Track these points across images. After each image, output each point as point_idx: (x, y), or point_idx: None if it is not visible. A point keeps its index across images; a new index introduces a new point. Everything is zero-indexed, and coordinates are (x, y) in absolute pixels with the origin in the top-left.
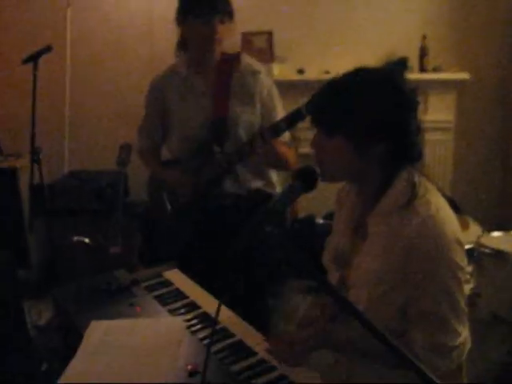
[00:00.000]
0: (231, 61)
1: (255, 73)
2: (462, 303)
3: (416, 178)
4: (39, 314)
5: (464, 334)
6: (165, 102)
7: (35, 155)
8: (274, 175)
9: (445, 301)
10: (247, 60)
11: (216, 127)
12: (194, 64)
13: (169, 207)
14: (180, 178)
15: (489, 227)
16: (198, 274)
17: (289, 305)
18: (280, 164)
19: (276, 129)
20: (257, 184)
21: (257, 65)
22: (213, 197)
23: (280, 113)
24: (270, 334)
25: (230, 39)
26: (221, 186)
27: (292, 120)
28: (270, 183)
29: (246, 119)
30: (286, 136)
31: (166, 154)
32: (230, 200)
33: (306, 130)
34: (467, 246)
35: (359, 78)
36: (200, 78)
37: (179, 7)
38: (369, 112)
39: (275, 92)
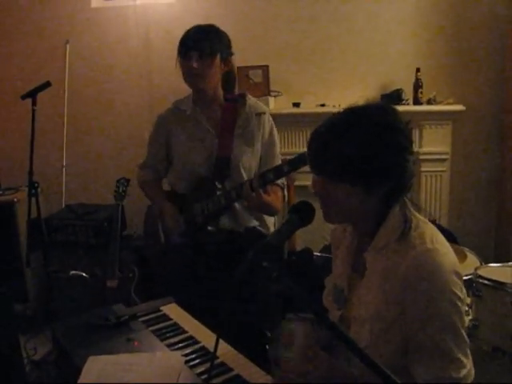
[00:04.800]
0: (236, 101)
1: (259, 115)
2: (464, 334)
3: (408, 210)
4: (35, 349)
5: (468, 365)
6: (169, 136)
7: (33, 189)
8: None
9: (447, 332)
10: (252, 102)
11: (219, 165)
12: (198, 103)
13: (163, 239)
14: (175, 215)
15: (485, 258)
16: (193, 307)
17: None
18: (265, 211)
19: (264, 179)
20: (253, 223)
21: (261, 107)
22: (208, 232)
23: (277, 155)
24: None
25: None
26: (218, 221)
27: (295, 164)
28: (264, 224)
29: (247, 159)
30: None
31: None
32: (225, 235)
33: None
34: (465, 278)
35: (355, 120)
36: (205, 117)
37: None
38: (371, 156)
39: (275, 133)
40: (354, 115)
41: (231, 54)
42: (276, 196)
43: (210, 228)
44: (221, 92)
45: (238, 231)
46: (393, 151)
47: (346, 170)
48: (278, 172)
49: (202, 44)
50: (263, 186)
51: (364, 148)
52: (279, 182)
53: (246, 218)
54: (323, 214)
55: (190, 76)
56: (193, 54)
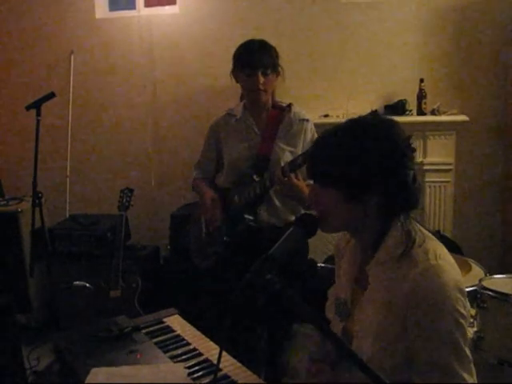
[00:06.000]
0: (283, 109)
1: (302, 120)
2: (467, 351)
3: (411, 226)
4: (38, 359)
5: (471, 381)
6: (219, 140)
7: (37, 199)
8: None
9: (449, 350)
10: (297, 110)
11: (259, 162)
12: (249, 109)
13: (204, 228)
14: (215, 199)
15: (491, 269)
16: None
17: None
18: (295, 196)
19: (294, 163)
20: (292, 218)
21: (304, 115)
22: (246, 220)
23: None
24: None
25: (277, 88)
26: (255, 211)
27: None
28: None
29: (286, 158)
30: None
31: None
32: (265, 228)
33: None
34: (470, 289)
35: (349, 130)
36: (253, 121)
37: (232, 64)
38: (355, 164)
39: None
40: (350, 125)
41: (279, 63)
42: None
43: (246, 216)
44: (270, 100)
45: (279, 226)
46: (383, 163)
47: (329, 173)
48: (306, 155)
49: (265, 62)
50: (293, 171)
51: (348, 155)
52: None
53: (285, 213)
54: (319, 223)
55: (254, 91)
56: (258, 72)
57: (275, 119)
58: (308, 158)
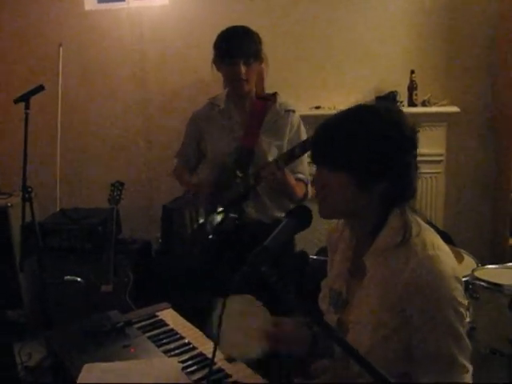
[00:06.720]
0: (267, 99)
1: (288, 111)
2: (466, 339)
3: (409, 215)
4: (29, 355)
5: (470, 369)
6: (202, 131)
7: (27, 193)
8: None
9: (450, 339)
10: (282, 100)
11: (243, 156)
12: (232, 99)
13: (189, 225)
14: (204, 180)
15: (481, 259)
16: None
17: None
18: (287, 192)
19: (291, 155)
20: (280, 214)
21: (290, 105)
22: (231, 219)
23: None
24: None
25: (261, 78)
26: (241, 209)
27: (306, 146)
28: None
29: (273, 152)
30: (306, 172)
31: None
32: (253, 225)
33: None
34: (462, 279)
35: (363, 115)
36: (237, 112)
37: (213, 53)
38: (373, 150)
39: (303, 130)
40: (362, 110)
41: (261, 49)
42: (299, 187)
43: (231, 215)
44: (254, 89)
45: (266, 222)
46: (394, 147)
47: (343, 157)
48: (303, 145)
49: (247, 51)
50: (290, 162)
51: (366, 140)
52: (303, 177)
53: (273, 209)
54: (318, 209)
55: (235, 81)
56: (239, 61)
57: (259, 109)
58: (317, 141)
